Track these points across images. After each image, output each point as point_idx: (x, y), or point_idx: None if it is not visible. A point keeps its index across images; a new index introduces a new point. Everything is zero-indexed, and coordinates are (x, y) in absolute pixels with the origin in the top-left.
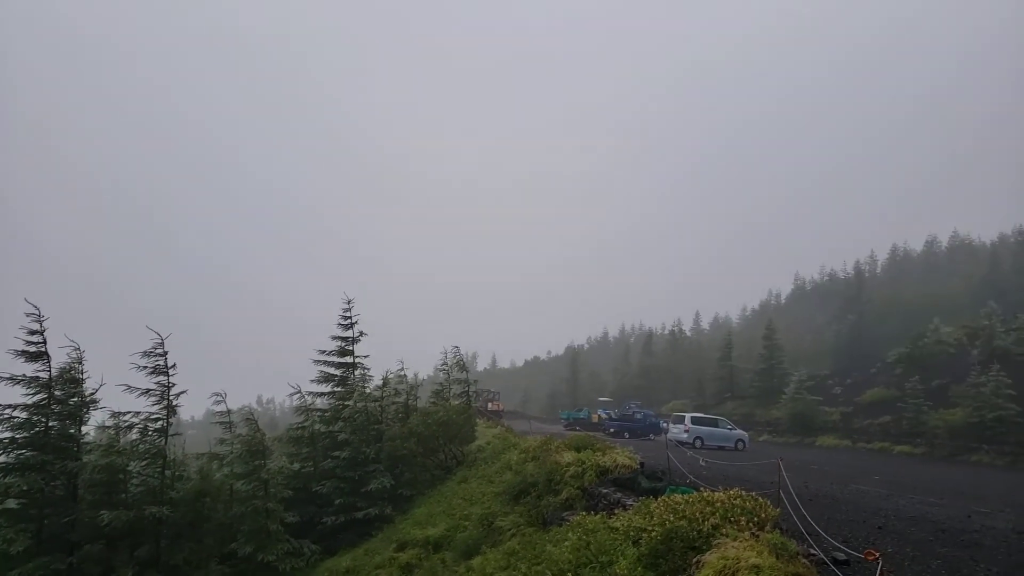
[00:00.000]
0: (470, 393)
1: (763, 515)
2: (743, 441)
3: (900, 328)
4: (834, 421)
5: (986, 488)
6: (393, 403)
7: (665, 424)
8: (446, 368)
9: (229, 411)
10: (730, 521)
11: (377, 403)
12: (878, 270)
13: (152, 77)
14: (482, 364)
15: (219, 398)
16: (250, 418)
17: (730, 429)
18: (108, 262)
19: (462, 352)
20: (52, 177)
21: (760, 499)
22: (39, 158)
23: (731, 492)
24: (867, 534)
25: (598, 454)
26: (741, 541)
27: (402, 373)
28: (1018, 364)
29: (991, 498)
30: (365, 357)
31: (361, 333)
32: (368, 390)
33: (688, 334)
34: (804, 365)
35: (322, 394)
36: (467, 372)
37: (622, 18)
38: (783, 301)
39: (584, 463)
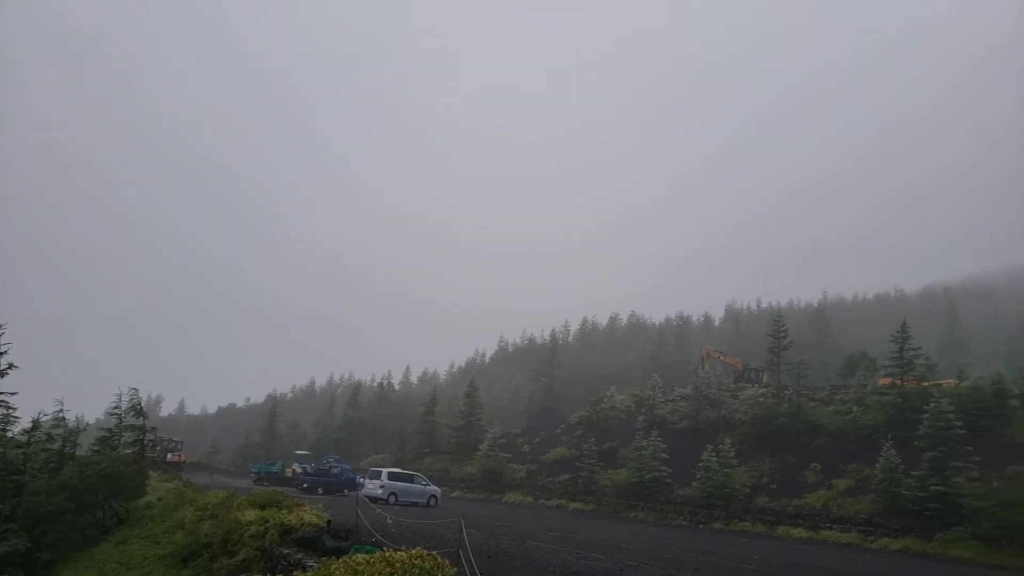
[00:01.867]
0: (145, 442)
1: (441, 575)
2: (436, 497)
3: (584, 392)
4: (520, 478)
5: (638, 542)
6: (44, 450)
7: (362, 479)
8: (118, 413)
9: None
10: None
11: (21, 450)
12: (570, 339)
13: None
14: (167, 409)
15: None
16: None
17: (425, 485)
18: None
19: (140, 395)
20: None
21: (439, 558)
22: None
23: (413, 552)
24: None
25: (284, 511)
26: None
27: (60, 416)
28: (673, 432)
29: (641, 551)
30: (13, 394)
31: (11, 365)
32: (11, 434)
33: (397, 388)
34: (500, 423)
35: None
36: (144, 418)
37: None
38: (487, 360)
39: (268, 521)
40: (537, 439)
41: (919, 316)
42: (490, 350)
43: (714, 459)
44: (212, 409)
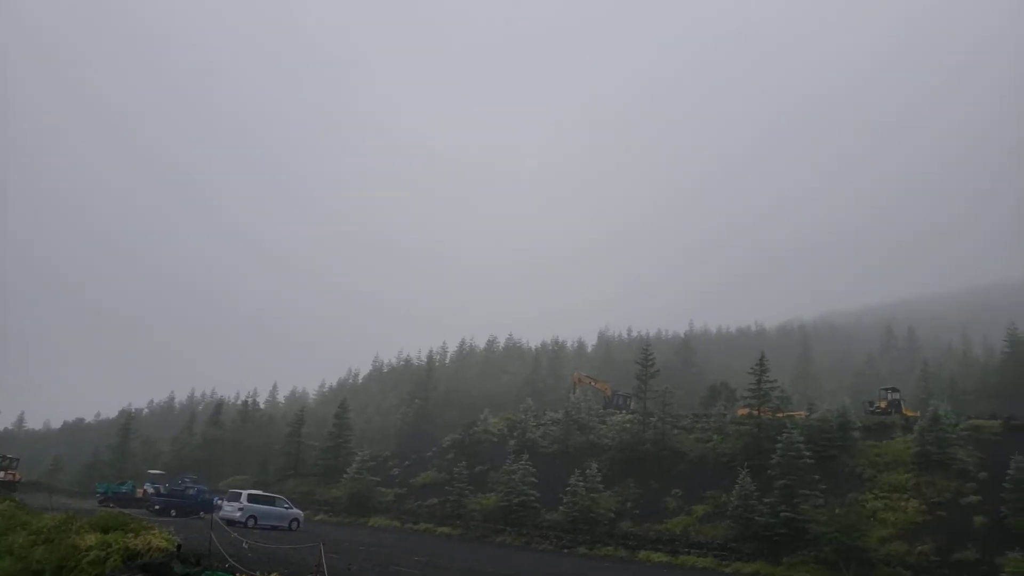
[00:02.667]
0: None
1: None
2: (298, 521)
3: (458, 415)
4: (388, 502)
5: (504, 567)
6: None
7: (219, 501)
8: None
9: None
10: None
11: None
12: (447, 360)
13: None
14: (2, 423)
15: None
16: None
17: (287, 508)
18: None
19: None
20: None
21: None
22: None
23: None
24: None
25: (130, 535)
26: None
27: None
28: (543, 456)
29: None
30: None
31: None
32: None
33: (262, 406)
34: (371, 445)
35: None
36: None
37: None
38: (360, 381)
39: (110, 546)
40: (408, 462)
41: (776, 350)
42: (364, 370)
43: (581, 484)
44: (56, 424)
